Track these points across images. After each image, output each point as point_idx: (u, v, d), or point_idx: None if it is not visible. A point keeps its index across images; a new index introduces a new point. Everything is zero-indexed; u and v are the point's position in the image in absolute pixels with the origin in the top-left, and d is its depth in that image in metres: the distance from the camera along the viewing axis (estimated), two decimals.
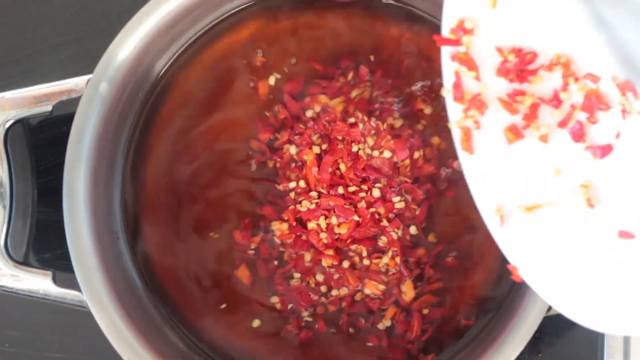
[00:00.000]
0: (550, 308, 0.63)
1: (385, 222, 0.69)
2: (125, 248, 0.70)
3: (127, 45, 0.66)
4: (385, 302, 0.69)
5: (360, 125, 0.70)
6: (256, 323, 0.70)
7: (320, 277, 0.70)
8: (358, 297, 0.70)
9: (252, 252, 0.70)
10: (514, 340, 0.63)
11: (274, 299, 0.70)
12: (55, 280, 0.66)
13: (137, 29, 0.66)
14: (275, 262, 0.70)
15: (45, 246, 0.74)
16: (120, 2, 0.77)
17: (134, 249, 0.71)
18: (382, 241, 0.69)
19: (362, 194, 0.69)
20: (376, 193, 0.69)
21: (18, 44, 0.78)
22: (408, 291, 0.69)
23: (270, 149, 0.71)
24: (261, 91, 0.71)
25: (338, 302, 0.70)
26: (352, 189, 0.69)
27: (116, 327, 0.64)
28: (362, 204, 0.69)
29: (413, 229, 0.70)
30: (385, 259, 0.69)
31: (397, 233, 0.69)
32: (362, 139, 0.70)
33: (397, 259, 0.69)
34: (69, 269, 0.64)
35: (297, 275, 0.70)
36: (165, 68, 0.72)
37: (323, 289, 0.70)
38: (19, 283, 0.66)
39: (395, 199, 0.69)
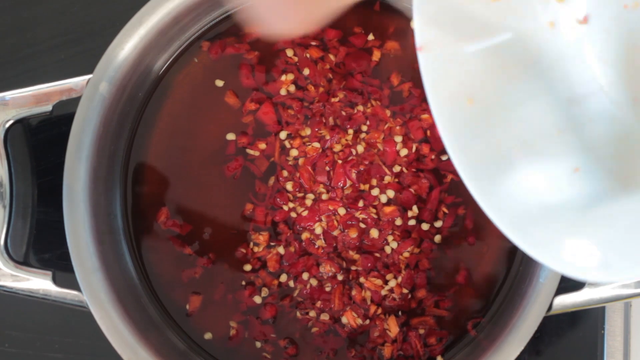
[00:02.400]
0: (550, 308, 0.63)
1: (393, 243, 0.69)
2: (125, 248, 0.70)
3: (127, 45, 0.66)
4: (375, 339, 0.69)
5: (361, 108, 0.69)
6: (208, 336, 0.70)
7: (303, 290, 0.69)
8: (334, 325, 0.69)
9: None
10: (514, 340, 0.63)
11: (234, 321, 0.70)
12: (55, 280, 0.65)
13: (137, 29, 0.66)
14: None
15: (45, 246, 0.74)
16: (120, 2, 0.77)
17: (134, 248, 0.70)
18: (389, 258, 0.69)
19: (374, 192, 0.69)
20: (390, 194, 0.69)
21: (18, 44, 0.78)
22: (392, 327, 0.68)
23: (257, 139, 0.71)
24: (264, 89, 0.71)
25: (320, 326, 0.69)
26: (348, 191, 0.69)
27: (116, 327, 0.64)
28: (371, 211, 0.69)
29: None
30: (392, 283, 0.69)
31: (409, 252, 0.69)
32: (365, 121, 0.70)
33: (404, 289, 0.68)
34: (69, 269, 0.64)
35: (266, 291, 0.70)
36: (165, 67, 0.72)
37: (312, 313, 0.69)
38: (19, 283, 0.66)
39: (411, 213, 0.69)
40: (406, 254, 0.69)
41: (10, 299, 0.68)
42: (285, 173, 0.70)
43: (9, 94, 0.67)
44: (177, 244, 0.70)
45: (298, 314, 0.69)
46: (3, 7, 0.79)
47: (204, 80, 0.72)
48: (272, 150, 0.70)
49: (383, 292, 0.68)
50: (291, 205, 0.69)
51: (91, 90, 0.66)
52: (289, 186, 0.69)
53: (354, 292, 0.68)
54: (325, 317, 0.69)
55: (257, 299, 0.69)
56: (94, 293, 0.64)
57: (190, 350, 0.69)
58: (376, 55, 0.71)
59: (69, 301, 0.66)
